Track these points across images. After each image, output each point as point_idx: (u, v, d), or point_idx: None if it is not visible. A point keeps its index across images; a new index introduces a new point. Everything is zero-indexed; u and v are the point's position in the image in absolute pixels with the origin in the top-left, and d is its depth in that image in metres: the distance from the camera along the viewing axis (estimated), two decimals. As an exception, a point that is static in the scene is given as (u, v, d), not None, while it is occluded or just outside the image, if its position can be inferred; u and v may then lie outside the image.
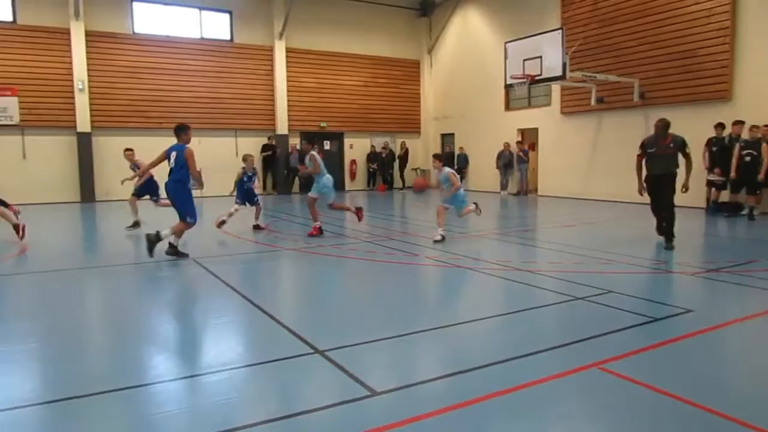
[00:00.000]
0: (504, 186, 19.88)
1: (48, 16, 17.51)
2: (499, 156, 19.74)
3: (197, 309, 5.73)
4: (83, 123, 18.01)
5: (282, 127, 21.41)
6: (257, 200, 11.20)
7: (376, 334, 4.52)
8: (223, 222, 10.81)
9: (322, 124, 22.36)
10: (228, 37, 20.63)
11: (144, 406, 3.35)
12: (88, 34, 17.97)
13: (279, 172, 21.39)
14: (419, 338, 4.50)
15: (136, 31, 19.06)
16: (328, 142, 22.81)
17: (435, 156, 9.81)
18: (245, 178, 11.01)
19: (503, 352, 4.07)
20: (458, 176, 9.50)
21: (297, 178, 21.61)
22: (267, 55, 21.11)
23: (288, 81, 21.40)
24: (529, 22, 17.87)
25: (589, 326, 4.64)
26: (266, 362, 4.01)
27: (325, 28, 22.00)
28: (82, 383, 3.64)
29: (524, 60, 15.46)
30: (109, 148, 18.05)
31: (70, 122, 17.91)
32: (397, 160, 23.66)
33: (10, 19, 17.26)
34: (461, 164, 21.85)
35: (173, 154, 7.82)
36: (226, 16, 20.53)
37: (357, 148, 23.36)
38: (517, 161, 19.50)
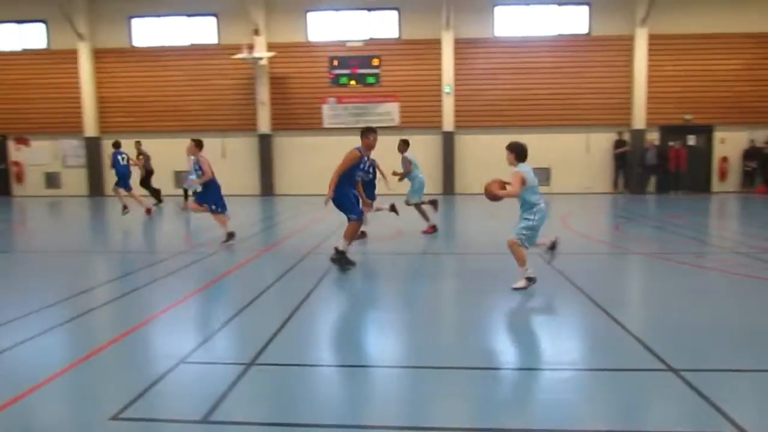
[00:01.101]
0: None
1: (424, 29, 20.01)
2: None
3: (541, 305, 5.78)
4: (448, 123, 20.07)
5: (638, 121, 19.89)
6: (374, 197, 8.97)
7: (747, 363, 3.83)
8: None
9: (687, 117, 19.94)
10: (585, 31, 20.15)
11: (486, 389, 3.56)
12: (455, 42, 19.89)
13: (632, 170, 19.99)
14: (809, 378, 3.63)
15: (496, 34, 20.22)
16: (693, 136, 20.22)
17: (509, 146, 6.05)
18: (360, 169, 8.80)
19: None
20: (529, 177, 5.77)
21: (652, 177, 19.91)
22: (625, 45, 19.83)
23: (648, 70, 19.72)
24: None
25: None
26: (610, 370, 3.81)
27: (695, 7, 19.47)
28: (437, 356, 4.09)
29: None
30: (470, 146, 19.89)
31: (437, 123, 20.16)
32: (786, 157, 19.51)
33: (396, 36, 20.34)
34: None
35: None
36: (585, 8, 20.05)
37: (729, 144, 20.10)
38: None
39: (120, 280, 6.87)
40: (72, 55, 20.71)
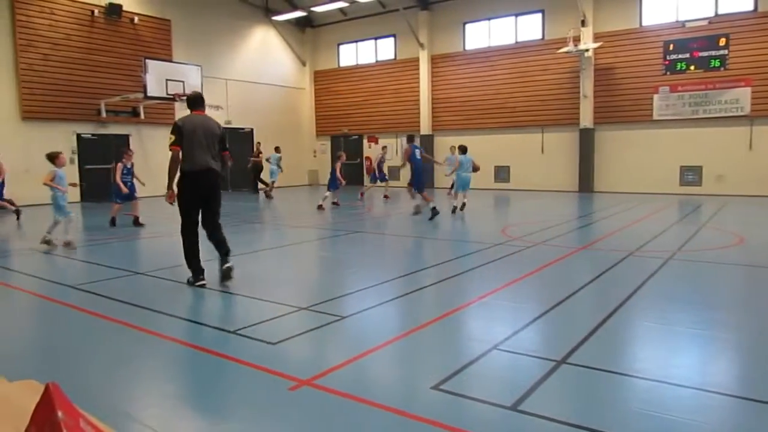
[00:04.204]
0: None
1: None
2: None
3: None
4: (820, 109, 16.28)
5: None
6: None
7: None
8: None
9: None
10: None
11: None
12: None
13: None
14: None
15: None
16: None
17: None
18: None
19: None
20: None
21: None
22: None
23: None
24: None
25: None
26: None
27: None
28: (783, 391, 3.45)
29: None
30: None
31: (804, 109, 16.55)
32: None
33: (750, 8, 17.29)
34: None
35: None
36: None
37: None
38: None
39: (443, 265, 7.57)
40: (414, 63, 23.54)
